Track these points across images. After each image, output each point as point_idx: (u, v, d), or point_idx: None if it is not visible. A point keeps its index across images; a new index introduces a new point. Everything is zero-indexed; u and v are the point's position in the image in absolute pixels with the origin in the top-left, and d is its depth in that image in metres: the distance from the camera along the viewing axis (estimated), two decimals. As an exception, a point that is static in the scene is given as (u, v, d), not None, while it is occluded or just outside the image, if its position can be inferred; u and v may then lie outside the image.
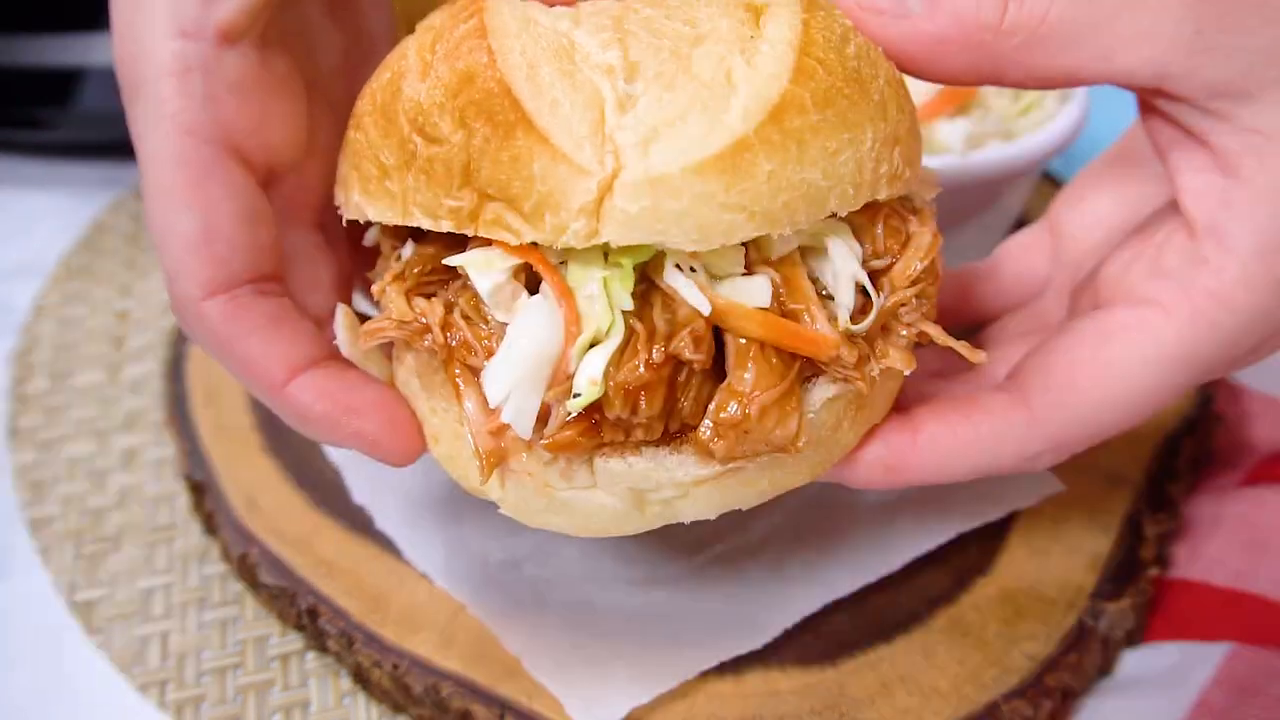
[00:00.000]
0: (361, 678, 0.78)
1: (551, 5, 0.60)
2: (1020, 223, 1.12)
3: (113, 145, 1.31)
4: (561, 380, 0.56)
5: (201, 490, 0.89)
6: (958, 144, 0.92)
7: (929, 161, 0.80)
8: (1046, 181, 1.21)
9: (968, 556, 0.81)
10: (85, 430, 1.00)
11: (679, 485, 0.59)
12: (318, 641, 0.80)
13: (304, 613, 0.79)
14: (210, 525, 0.89)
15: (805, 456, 0.60)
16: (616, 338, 0.55)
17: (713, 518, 0.62)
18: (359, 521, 0.85)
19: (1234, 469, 0.89)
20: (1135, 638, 0.79)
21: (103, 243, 1.25)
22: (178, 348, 1.06)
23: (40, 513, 0.93)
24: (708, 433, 0.57)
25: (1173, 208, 0.62)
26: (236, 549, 0.84)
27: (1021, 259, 0.80)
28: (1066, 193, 0.79)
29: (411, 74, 0.59)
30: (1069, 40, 0.57)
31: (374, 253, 0.70)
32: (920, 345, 0.64)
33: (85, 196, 1.32)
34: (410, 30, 0.65)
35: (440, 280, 0.62)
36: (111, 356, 1.09)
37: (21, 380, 1.06)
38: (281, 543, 0.84)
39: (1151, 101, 0.60)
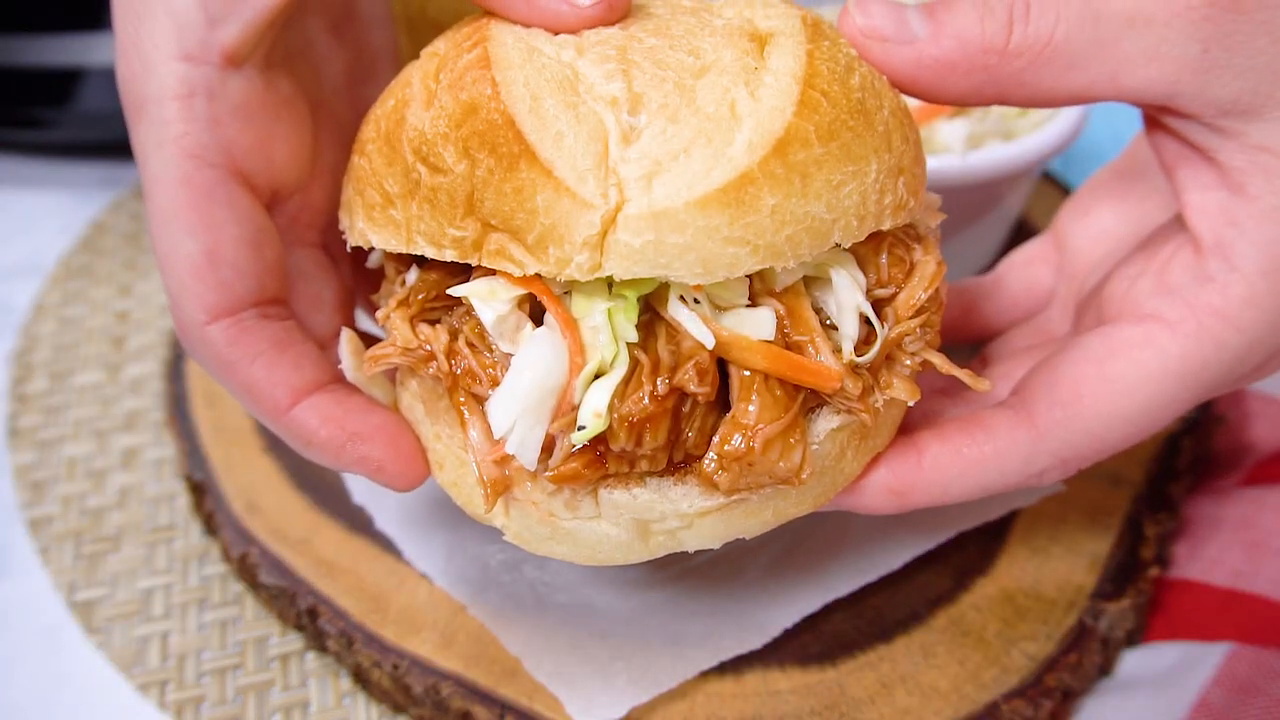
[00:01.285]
0: (361, 678, 0.78)
1: (555, 34, 0.59)
2: (1020, 223, 1.12)
3: (113, 145, 1.31)
4: (566, 411, 0.56)
5: (201, 490, 0.89)
6: (958, 144, 0.92)
7: (929, 162, 0.80)
8: (1047, 182, 1.21)
9: (968, 556, 0.81)
10: (85, 430, 1.00)
11: (683, 516, 0.59)
12: (318, 641, 0.80)
13: (304, 613, 0.79)
14: (210, 525, 0.89)
15: (809, 487, 0.60)
16: (621, 369, 0.56)
17: (716, 547, 0.62)
18: (359, 521, 0.85)
19: (1234, 469, 0.89)
20: (1135, 638, 0.79)
21: (103, 243, 1.25)
22: (178, 348, 1.06)
23: (40, 513, 0.93)
24: (712, 465, 0.57)
25: (1178, 223, 0.62)
26: (236, 549, 0.84)
27: (1026, 272, 0.80)
28: (1071, 205, 0.79)
29: (416, 102, 0.59)
30: (1075, 61, 0.57)
31: (378, 271, 0.70)
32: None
33: (85, 196, 1.32)
34: (411, 37, 0.64)
35: (445, 306, 0.62)
36: (111, 356, 1.09)
37: (21, 380, 1.06)
38: (281, 543, 0.84)
39: (1158, 118, 0.60)
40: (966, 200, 0.96)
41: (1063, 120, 0.96)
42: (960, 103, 0.60)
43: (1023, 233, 1.11)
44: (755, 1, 0.64)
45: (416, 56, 0.63)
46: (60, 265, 1.22)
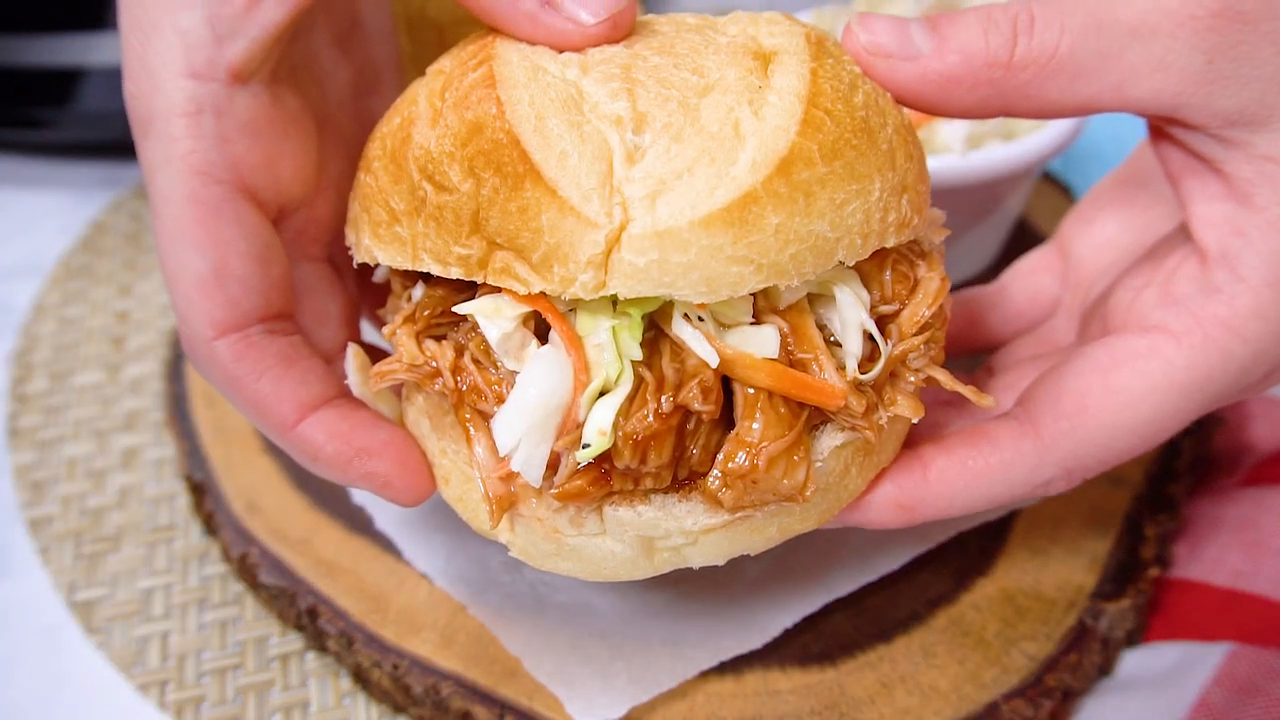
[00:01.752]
0: (361, 678, 0.78)
1: (560, 52, 0.59)
2: (1021, 223, 1.12)
3: (113, 145, 1.31)
4: (571, 429, 0.56)
5: (201, 490, 0.89)
6: (958, 144, 0.92)
7: (929, 162, 0.80)
8: (1047, 182, 1.21)
9: (968, 556, 0.81)
10: (85, 430, 1.00)
11: (687, 533, 0.59)
12: (318, 641, 0.80)
13: (304, 613, 0.79)
14: (210, 525, 0.89)
15: (814, 503, 0.60)
16: (625, 387, 0.56)
17: (721, 564, 0.62)
18: (359, 521, 0.85)
19: (1234, 470, 0.89)
20: (1135, 638, 0.79)
21: (103, 243, 1.25)
22: (178, 348, 1.06)
23: (40, 513, 0.93)
24: (716, 483, 0.57)
25: (1183, 233, 0.62)
26: (236, 549, 0.84)
27: (1030, 281, 0.80)
28: (1075, 214, 0.79)
29: (421, 121, 0.59)
30: (1080, 73, 0.56)
31: (385, 284, 0.70)
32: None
33: (85, 196, 1.32)
34: (411, 37, 0.64)
35: (450, 322, 0.62)
36: (111, 356, 1.09)
37: (21, 380, 1.06)
38: (281, 543, 0.84)
39: (1164, 128, 0.60)
40: (966, 200, 0.96)
41: (1062, 121, 0.96)
42: (966, 116, 0.60)
43: (1023, 233, 1.11)
44: (759, 19, 0.64)
45: (417, 57, 0.63)
46: (60, 265, 1.21)
